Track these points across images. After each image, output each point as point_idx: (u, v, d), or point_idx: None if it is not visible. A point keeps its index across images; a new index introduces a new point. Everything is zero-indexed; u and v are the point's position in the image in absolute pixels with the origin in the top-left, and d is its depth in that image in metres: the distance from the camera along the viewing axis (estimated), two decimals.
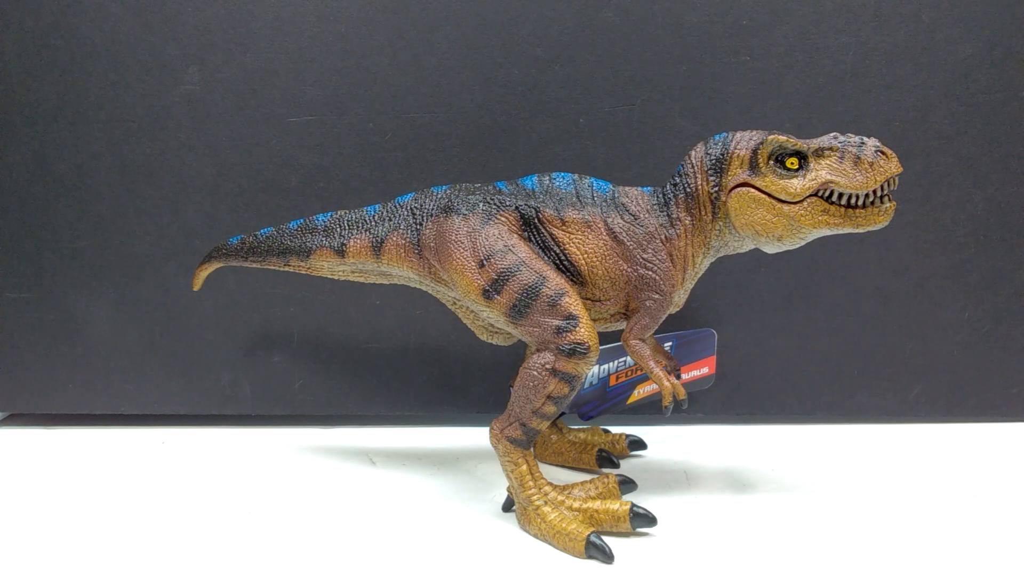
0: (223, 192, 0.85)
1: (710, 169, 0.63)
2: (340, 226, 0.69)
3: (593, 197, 0.65)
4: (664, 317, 0.65)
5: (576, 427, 0.80)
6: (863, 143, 0.58)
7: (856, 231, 0.60)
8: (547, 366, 0.60)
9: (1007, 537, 0.62)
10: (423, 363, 0.88)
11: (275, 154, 0.85)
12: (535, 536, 0.62)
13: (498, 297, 0.62)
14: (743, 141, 0.62)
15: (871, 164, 0.58)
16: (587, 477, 0.72)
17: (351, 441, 0.85)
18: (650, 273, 0.63)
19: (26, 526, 0.65)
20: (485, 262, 0.62)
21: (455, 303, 0.70)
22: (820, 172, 0.59)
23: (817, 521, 0.65)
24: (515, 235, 0.64)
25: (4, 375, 0.88)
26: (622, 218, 0.64)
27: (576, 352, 0.60)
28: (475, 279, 0.62)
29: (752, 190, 0.61)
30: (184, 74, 0.84)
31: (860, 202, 0.59)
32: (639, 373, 0.80)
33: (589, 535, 0.59)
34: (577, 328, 0.60)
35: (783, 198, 0.60)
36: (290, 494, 0.71)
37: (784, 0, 0.82)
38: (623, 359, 0.79)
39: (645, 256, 0.63)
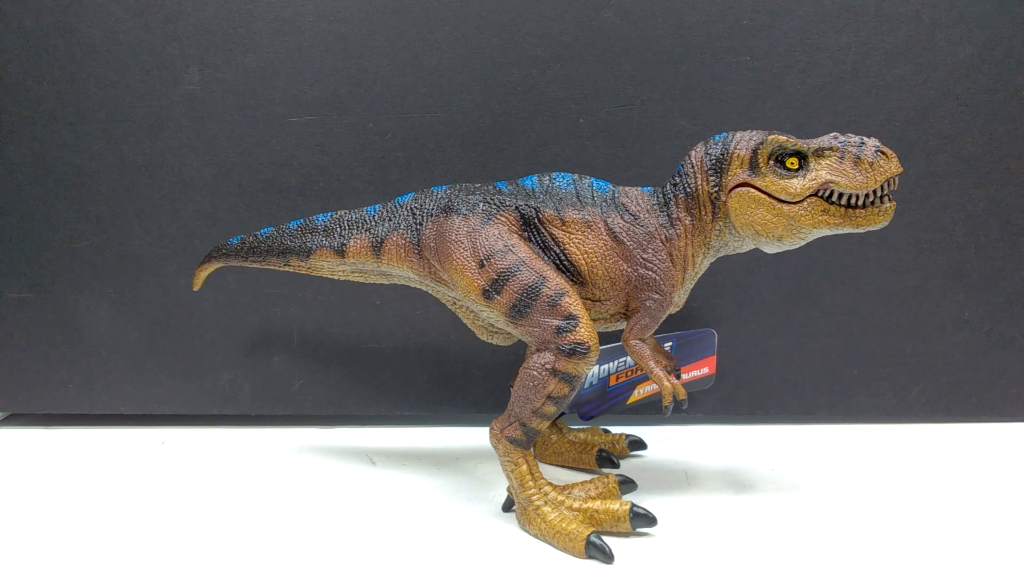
0: (223, 192, 0.85)
1: (710, 169, 0.63)
2: (340, 226, 0.69)
3: (593, 197, 0.65)
4: (664, 317, 0.65)
5: (576, 427, 0.80)
6: (863, 143, 0.58)
7: (856, 231, 0.60)
8: (547, 366, 0.60)
9: (1007, 537, 0.62)
10: (423, 363, 0.88)
11: (275, 154, 0.85)
12: (535, 536, 0.62)
13: (498, 297, 0.62)
14: (743, 141, 0.62)
15: (871, 164, 0.58)
16: (587, 477, 0.72)
17: (351, 441, 0.85)
18: (650, 273, 0.63)
19: (26, 526, 0.65)
20: (485, 262, 0.62)
21: (455, 303, 0.70)
22: (820, 172, 0.59)
23: (817, 521, 0.65)
24: (515, 235, 0.64)
25: (4, 375, 0.88)
26: (622, 218, 0.64)
27: (576, 352, 0.60)
28: (475, 279, 0.62)
29: (752, 190, 0.61)
30: (184, 74, 0.84)
31: (860, 202, 0.59)
32: (639, 373, 0.80)
33: (589, 535, 0.59)
34: (577, 328, 0.60)
35: (783, 198, 0.60)
36: (290, 494, 0.71)
37: (784, 0, 0.82)
38: (623, 359, 0.79)
39: (645, 256, 0.63)
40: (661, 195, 0.65)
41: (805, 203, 0.60)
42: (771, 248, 0.63)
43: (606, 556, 0.58)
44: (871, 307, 0.87)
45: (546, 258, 0.64)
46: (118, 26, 0.83)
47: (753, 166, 0.61)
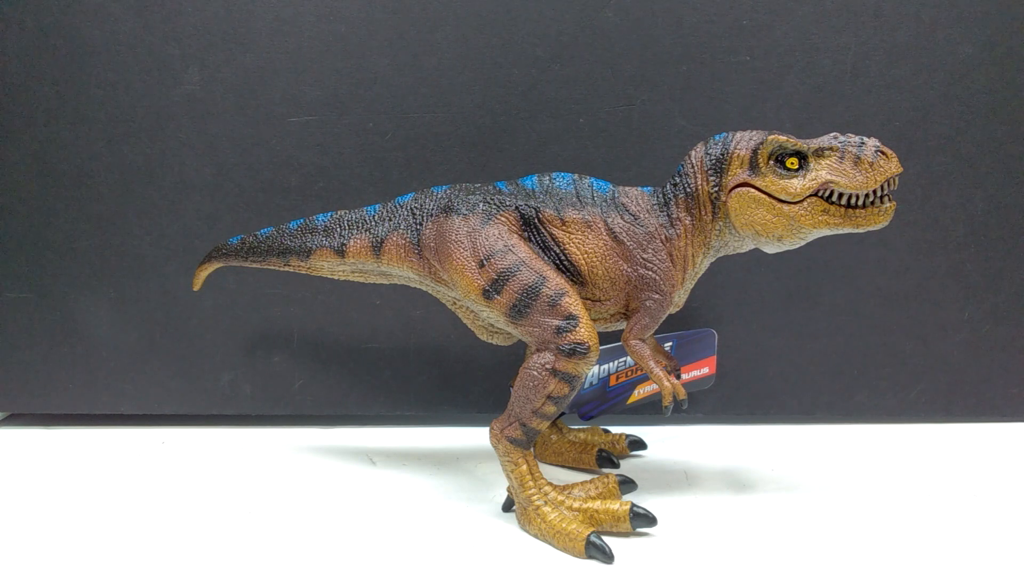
0: (223, 192, 0.85)
1: (710, 169, 0.63)
2: (340, 226, 0.69)
3: (593, 197, 0.65)
4: (664, 317, 0.65)
5: (576, 427, 0.80)
6: (863, 143, 0.58)
7: (856, 231, 0.60)
8: (547, 366, 0.60)
9: (1007, 537, 0.62)
10: (423, 363, 0.88)
11: (275, 154, 0.85)
12: (535, 536, 0.62)
13: (498, 297, 0.62)
14: (743, 141, 0.62)
15: (871, 164, 0.58)
16: (587, 477, 0.72)
17: (351, 441, 0.85)
18: (650, 273, 0.63)
19: (26, 526, 0.65)
20: (485, 262, 0.62)
21: (455, 303, 0.70)
22: (820, 172, 0.59)
23: (817, 521, 0.65)
24: (515, 235, 0.64)
25: (4, 375, 0.88)
26: (622, 218, 0.64)
27: (576, 352, 0.60)
28: (475, 279, 0.62)
29: (752, 190, 0.61)
30: (184, 74, 0.84)
31: (860, 202, 0.59)
32: (639, 373, 0.80)
33: (589, 535, 0.59)
34: (577, 328, 0.60)
35: (783, 198, 0.60)
36: (290, 494, 0.71)
37: (784, 0, 0.82)
38: (623, 359, 0.79)
39: (645, 256, 0.63)
40: (661, 195, 0.65)
41: (805, 203, 0.60)
42: (771, 248, 0.63)
43: (606, 556, 0.58)
44: (871, 307, 0.87)
45: (546, 258, 0.64)
46: (118, 26, 0.83)
47: (753, 166, 0.61)
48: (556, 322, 0.60)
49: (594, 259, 0.64)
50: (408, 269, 0.68)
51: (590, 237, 0.64)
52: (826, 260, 0.86)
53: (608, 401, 0.80)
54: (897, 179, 0.59)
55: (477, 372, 0.88)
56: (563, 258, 0.64)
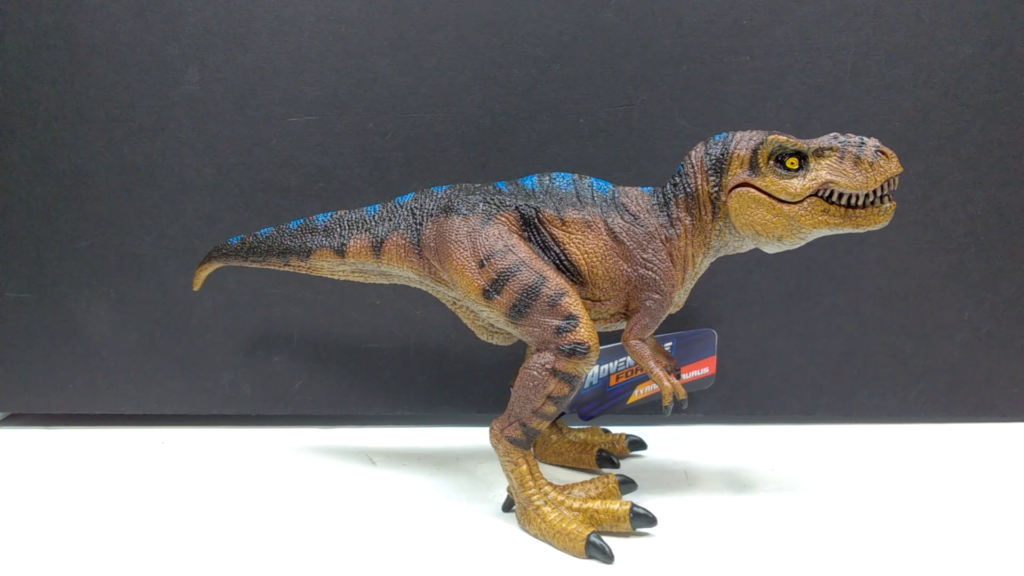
0: (223, 192, 0.85)
1: (710, 169, 0.63)
2: (340, 226, 0.70)
3: (593, 197, 0.65)
4: (664, 317, 0.65)
5: (576, 427, 0.80)
6: (863, 143, 0.58)
7: (856, 231, 0.60)
8: (547, 366, 0.60)
9: (1007, 537, 0.62)
10: (423, 363, 0.88)
11: (275, 154, 0.85)
12: (535, 536, 0.62)
13: (498, 297, 0.62)
14: (743, 141, 0.62)
15: (871, 164, 0.58)
16: (587, 477, 0.72)
17: (351, 441, 0.85)
18: (650, 273, 0.63)
19: (26, 526, 0.65)
20: (485, 262, 0.62)
21: (455, 303, 0.70)
22: (820, 172, 0.59)
23: (817, 521, 0.65)
24: (515, 235, 0.64)
25: (4, 375, 0.88)
26: (622, 218, 0.64)
27: (576, 352, 0.60)
28: (475, 279, 0.62)
29: (752, 190, 0.61)
30: (184, 74, 0.84)
31: (860, 202, 0.59)
32: (639, 373, 0.80)
33: (589, 535, 0.59)
34: (577, 328, 0.60)
35: (783, 198, 0.60)
36: (290, 494, 0.71)
37: (784, 0, 0.82)
38: (623, 359, 0.79)
39: (645, 256, 0.63)
40: (661, 195, 0.65)
41: (805, 203, 0.60)
42: (771, 248, 0.63)
43: (606, 556, 0.58)
44: (871, 307, 0.87)
45: (546, 258, 0.64)
46: (118, 26, 0.83)
47: (753, 166, 0.61)
48: (556, 322, 0.60)
49: (594, 259, 0.64)
50: (408, 269, 0.68)
51: (590, 237, 0.64)
52: (826, 260, 0.86)
53: (608, 401, 0.80)
54: (897, 179, 0.59)
55: (477, 372, 0.88)
56: (563, 258, 0.64)
